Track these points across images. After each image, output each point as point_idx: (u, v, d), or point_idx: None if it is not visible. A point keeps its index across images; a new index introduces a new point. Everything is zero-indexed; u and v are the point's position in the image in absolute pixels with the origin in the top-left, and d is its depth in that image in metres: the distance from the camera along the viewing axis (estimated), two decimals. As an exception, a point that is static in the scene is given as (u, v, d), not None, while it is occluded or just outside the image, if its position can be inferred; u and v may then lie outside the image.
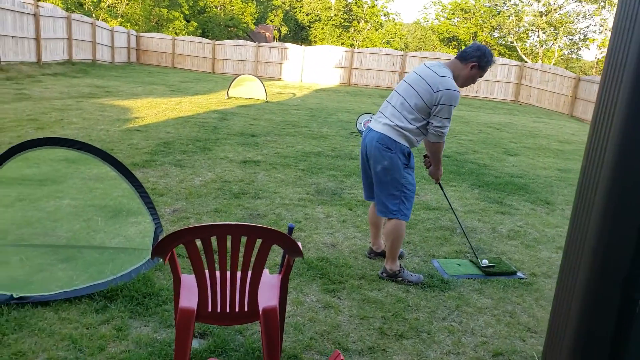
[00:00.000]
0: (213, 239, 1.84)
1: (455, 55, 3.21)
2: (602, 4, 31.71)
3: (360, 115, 9.46)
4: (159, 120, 8.88)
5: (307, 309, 2.85)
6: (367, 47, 36.73)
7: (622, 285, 0.87)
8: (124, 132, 7.46)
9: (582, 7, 34.21)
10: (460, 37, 39.40)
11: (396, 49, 37.59)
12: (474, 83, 3.22)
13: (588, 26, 36.04)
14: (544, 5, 35.23)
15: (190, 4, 32.32)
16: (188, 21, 32.04)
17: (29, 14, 15.33)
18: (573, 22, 34.76)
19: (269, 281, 2.26)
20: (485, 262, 3.59)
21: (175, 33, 29.38)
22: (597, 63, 36.03)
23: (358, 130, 9.08)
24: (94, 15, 26.14)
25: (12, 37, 14.45)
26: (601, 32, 33.32)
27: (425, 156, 3.44)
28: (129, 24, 27.70)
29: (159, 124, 8.44)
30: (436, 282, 3.31)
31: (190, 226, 1.79)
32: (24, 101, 9.70)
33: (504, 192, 5.85)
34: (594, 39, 34.81)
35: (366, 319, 2.79)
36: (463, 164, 7.28)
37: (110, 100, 10.92)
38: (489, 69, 3.21)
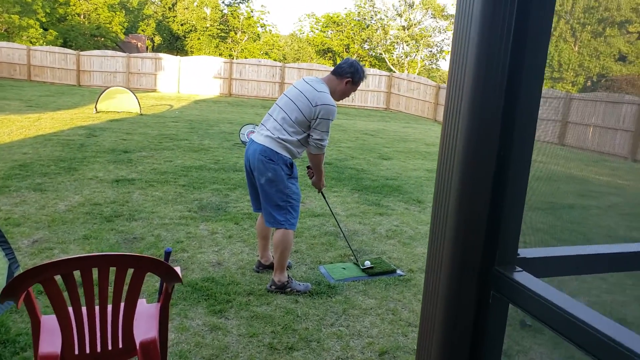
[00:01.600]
0: (77, 272, 1.65)
1: (331, 71, 3.34)
2: (452, 20, 35.46)
3: (243, 125, 9.37)
4: (12, 139, 7.88)
5: (193, 334, 2.70)
6: (245, 57, 36.59)
7: (477, 278, 0.93)
8: (-32, 155, 6.49)
9: (437, 22, 38.13)
10: (334, 49, 41.09)
11: (275, 60, 38.04)
12: (348, 96, 3.38)
13: (443, 39, 40.14)
14: (405, 20, 38.42)
15: (48, 11, 29.32)
16: (46, 29, 29.01)
17: None
18: (430, 36, 38.46)
19: (147, 311, 2.09)
20: (367, 263, 3.75)
21: (31, 42, 26.38)
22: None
23: (241, 141, 8.96)
24: None
25: None
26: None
27: (308, 167, 3.54)
28: (-31, 32, 24.31)
29: (13, 144, 7.49)
30: (323, 289, 3.36)
31: (46, 262, 1.58)
32: None
33: (380, 194, 6.18)
34: (448, 51, 38.87)
35: (255, 336, 2.72)
36: (343, 169, 7.56)
37: (-51, 119, 9.45)
38: (361, 83, 3.38)
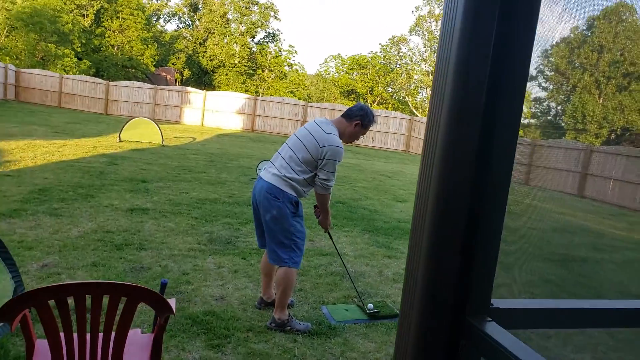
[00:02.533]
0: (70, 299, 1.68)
1: (341, 114, 3.41)
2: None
3: (261, 161, 9.50)
4: (36, 164, 8.14)
5: (187, 369, 2.68)
6: (271, 95, 37.43)
7: (448, 326, 0.93)
8: (-8, 176, 6.71)
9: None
10: (358, 91, 41.82)
11: (299, 98, 38.82)
12: (357, 139, 3.45)
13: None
14: (430, 66, 39.04)
15: (84, 41, 30.74)
16: (80, 59, 30.32)
17: None
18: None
19: (140, 341, 2.09)
20: (370, 306, 3.69)
21: (65, 71, 27.54)
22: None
23: (259, 176, 9.09)
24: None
25: None
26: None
27: (315, 206, 3.56)
28: (8, 58, 25.46)
29: (36, 169, 7.73)
30: (324, 329, 3.31)
31: (41, 287, 1.62)
32: None
33: (391, 236, 6.13)
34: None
35: (250, 375, 2.68)
36: (356, 209, 7.55)
37: (-20, 141, 9.83)
38: (371, 127, 3.46)
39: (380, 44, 53.06)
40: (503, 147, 0.91)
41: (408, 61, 40.89)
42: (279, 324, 3.24)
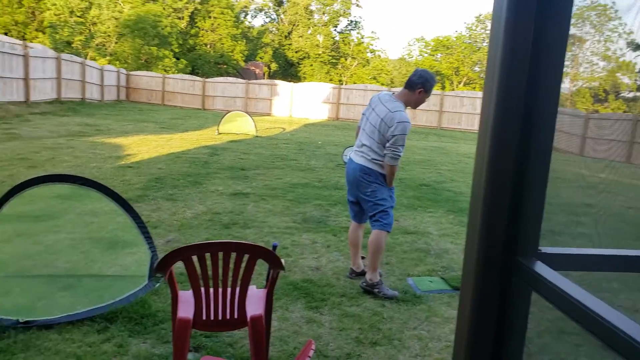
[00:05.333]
0: (207, 256, 2.17)
1: (404, 85, 3.72)
2: (572, 41, 33.25)
3: (347, 148, 9.91)
4: (150, 156, 9.23)
5: (292, 324, 3.14)
6: (354, 82, 37.78)
7: (500, 267, 1.19)
8: (116, 169, 7.78)
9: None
10: (443, 72, 40.76)
11: (382, 84, 38.73)
12: (424, 103, 3.74)
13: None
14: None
15: (180, 42, 33.18)
16: (178, 59, 32.82)
17: (19, 54, 15.51)
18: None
19: (256, 294, 2.57)
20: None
21: (165, 71, 30.03)
22: (571, 96, 37.30)
23: (344, 162, 9.51)
24: (82, 54, 26.70)
25: (0, 77, 14.45)
26: (572, 67, 34.76)
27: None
28: (118, 62, 28.31)
29: (151, 161, 8.78)
30: (409, 297, 3.63)
31: (187, 245, 2.12)
32: (13, 140, 9.95)
33: (478, 217, 6.21)
34: (567, 73, 36.27)
35: (345, 331, 3.09)
36: (440, 192, 7.69)
37: (101, 138, 11.26)
38: (432, 90, 3.72)
39: (465, 23, 50.96)
40: (544, 112, 1.10)
41: (497, 38, 38.85)
42: (370, 284, 3.65)
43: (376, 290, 3.62)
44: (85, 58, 24.56)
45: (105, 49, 29.13)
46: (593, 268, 1.30)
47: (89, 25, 29.02)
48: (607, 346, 0.80)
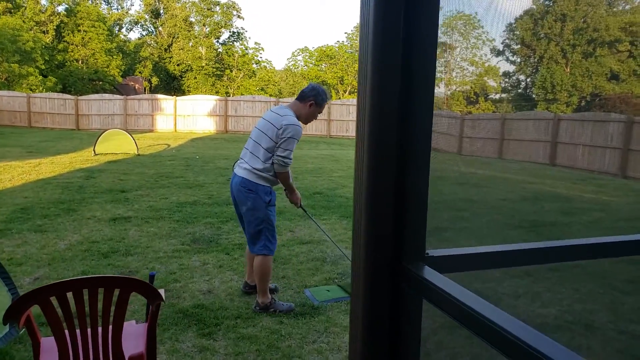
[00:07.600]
0: (70, 295, 1.88)
1: (295, 97, 3.64)
2: (443, 48, 36.43)
3: (236, 161, 9.67)
4: (14, 185, 8.18)
5: (183, 355, 2.90)
6: (242, 94, 37.39)
7: (389, 272, 1.15)
8: (-29, 201, 6.75)
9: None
10: (329, 82, 42.03)
11: (270, 95, 38.89)
12: (315, 118, 3.67)
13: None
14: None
15: (47, 58, 30.22)
16: (45, 76, 29.82)
17: None
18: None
19: (135, 331, 2.31)
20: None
21: (31, 89, 27.08)
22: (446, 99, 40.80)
23: (233, 172, 9.28)
24: None
25: None
26: (446, 72, 38.07)
27: (284, 190, 3.78)
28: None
29: (15, 189, 7.78)
30: (307, 310, 3.56)
31: (41, 286, 1.82)
32: None
33: (369, 220, 6.40)
34: (441, 78, 39.66)
35: (241, 355, 2.92)
36: (333, 198, 7.81)
37: (-47, 168, 9.76)
38: (325, 105, 3.67)
39: (346, 32, 53.24)
40: (420, 116, 1.09)
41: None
42: (262, 307, 3.50)
43: (271, 310, 3.49)
44: None
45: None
46: (479, 267, 1.32)
47: None
48: (496, 348, 0.79)
